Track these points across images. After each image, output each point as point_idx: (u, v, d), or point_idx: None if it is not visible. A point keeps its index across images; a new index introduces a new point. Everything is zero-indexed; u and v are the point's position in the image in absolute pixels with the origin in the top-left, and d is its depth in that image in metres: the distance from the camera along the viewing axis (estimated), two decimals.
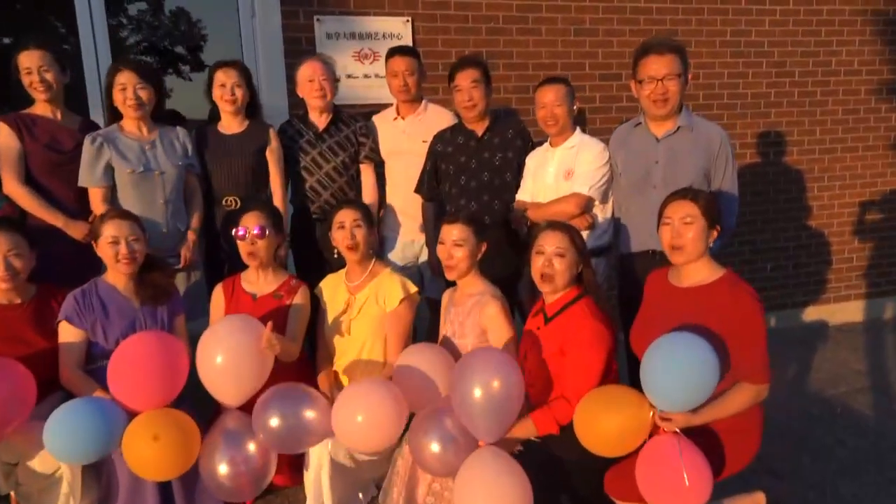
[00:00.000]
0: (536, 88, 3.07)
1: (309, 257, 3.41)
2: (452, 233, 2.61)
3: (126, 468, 2.41)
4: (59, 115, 2.99)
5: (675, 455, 2.01)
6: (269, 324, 2.43)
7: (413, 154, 3.43)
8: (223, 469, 2.35)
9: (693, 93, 5.34)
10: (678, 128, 2.80)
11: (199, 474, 2.46)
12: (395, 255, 3.45)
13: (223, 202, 3.21)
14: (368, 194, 3.43)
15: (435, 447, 2.28)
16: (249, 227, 2.77)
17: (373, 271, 2.85)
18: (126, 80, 2.93)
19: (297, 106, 3.98)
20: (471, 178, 3.22)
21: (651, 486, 2.06)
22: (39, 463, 2.44)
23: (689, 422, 2.08)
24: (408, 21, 4.77)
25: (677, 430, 2.07)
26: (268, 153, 3.24)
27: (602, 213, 3.02)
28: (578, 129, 3.06)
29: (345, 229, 2.78)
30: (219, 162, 3.20)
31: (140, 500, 2.49)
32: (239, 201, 3.19)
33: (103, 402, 2.36)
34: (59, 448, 2.25)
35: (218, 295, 2.88)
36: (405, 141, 3.45)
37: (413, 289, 2.79)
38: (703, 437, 2.12)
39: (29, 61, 2.85)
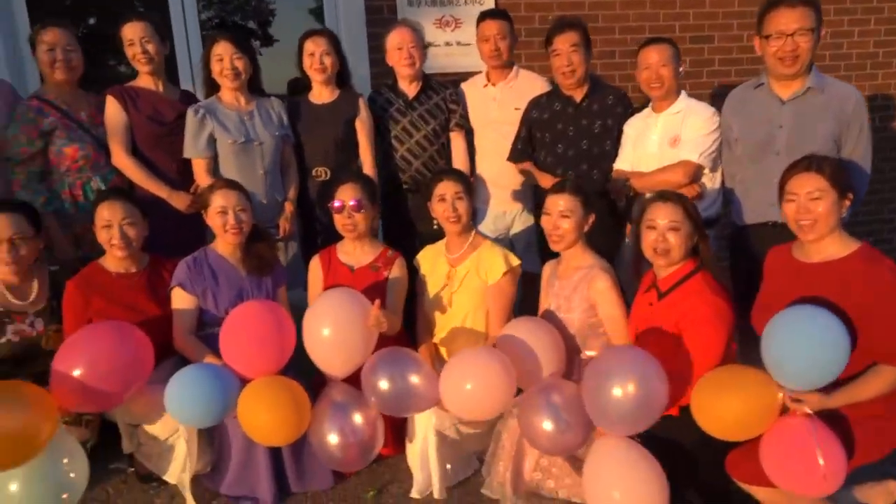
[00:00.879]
0: (639, 49, 2.88)
1: (399, 227, 3.35)
2: (559, 203, 2.46)
3: (239, 434, 2.43)
4: (160, 87, 2.99)
5: (809, 438, 1.88)
6: (377, 302, 2.39)
7: (504, 122, 3.30)
8: (333, 439, 2.33)
9: None
10: (807, 89, 2.55)
11: (307, 443, 2.45)
12: (486, 227, 3.35)
13: (313, 173, 3.14)
14: (459, 162, 3.32)
15: (547, 425, 2.19)
16: (346, 200, 2.69)
17: (473, 243, 2.74)
18: (223, 50, 2.89)
19: (381, 76, 3.89)
20: (568, 146, 3.07)
21: (780, 469, 1.94)
22: (158, 426, 2.48)
23: (824, 404, 1.93)
24: None
25: (810, 412, 1.86)
26: (357, 123, 3.15)
27: (711, 182, 2.83)
28: (684, 93, 2.87)
29: (446, 202, 2.67)
30: (310, 132, 3.14)
31: (253, 465, 2.50)
32: (329, 172, 3.13)
33: (220, 368, 2.36)
34: (179, 410, 2.27)
35: (315, 266, 2.83)
36: (496, 108, 3.32)
37: (515, 261, 2.68)
38: (835, 423, 1.95)
39: (132, 33, 2.84)
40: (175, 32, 3.90)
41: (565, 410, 2.18)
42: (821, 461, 1.83)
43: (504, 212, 3.35)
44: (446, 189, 2.68)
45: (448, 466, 2.54)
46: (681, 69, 2.81)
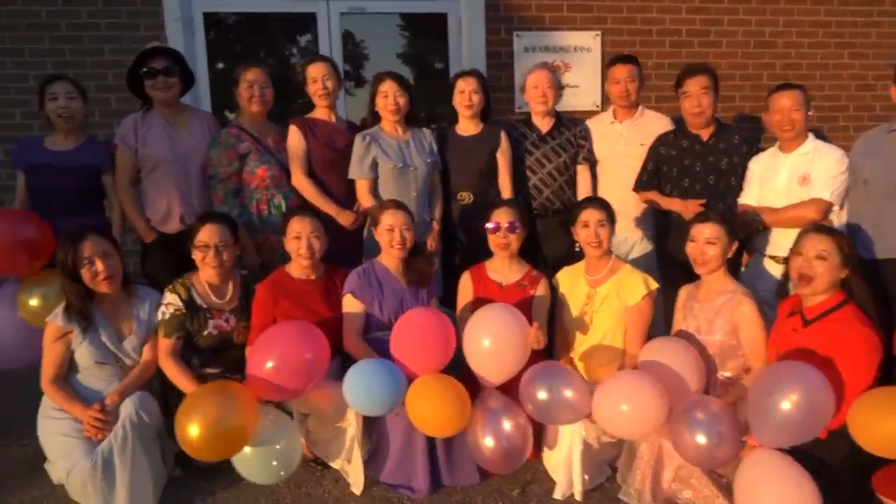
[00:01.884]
0: (770, 94, 3.00)
1: (528, 250, 3.45)
2: (705, 231, 2.59)
3: (398, 427, 2.65)
4: (333, 118, 3.27)
5: None
6: (535, 323, 2.61)
7: (629, 156, 3.51)
8: (490, 442, 2.54)
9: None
10: None
11: (457, 440, 2.66)
12: None
13: (458, 197, 3.37)
14: (584, 193, 3.53)
15: (701, 439, 2.29)
16: (501, 222, 2.87)
17: (613, 267, 2.91)
18: (388, 88, 3.19)
19: (497, 112, 4.10)
20: (695, 181, 3.23)
21: None
22: (331, 415, 2.69)
23: None
24: (597, 35, 4.83)
25: None
26: (499, 154, 3.39)
27: (837, 219, 2.97)
28: (812, 135, 2.98)
29: (589, 228, 2.86)
30: (456, 161, 3.39)
31: (411, 456, 2.69)
32: (472, 196, 3.32)
33: (393, 364, 2.53)
34: (357, 398, 2.50)
35: (466, 281, 3.02)
36: (622, 144, 3.53)
37: (654, 285, 2.85)
38: None
39: (315, 72, 3.16)
40: None
41: (719, 424, 2.27)
42: None
43: (625, 238, 3.53)
44: (591, 216, 2.86)
45: (586, 475, 2.67)
46: (809, 112, 2.93)
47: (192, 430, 2.29)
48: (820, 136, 3.11)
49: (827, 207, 2.86)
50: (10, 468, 2.91)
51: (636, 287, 2.82)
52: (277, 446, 2.51)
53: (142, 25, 4.28)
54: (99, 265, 2.58)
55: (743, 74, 5.00)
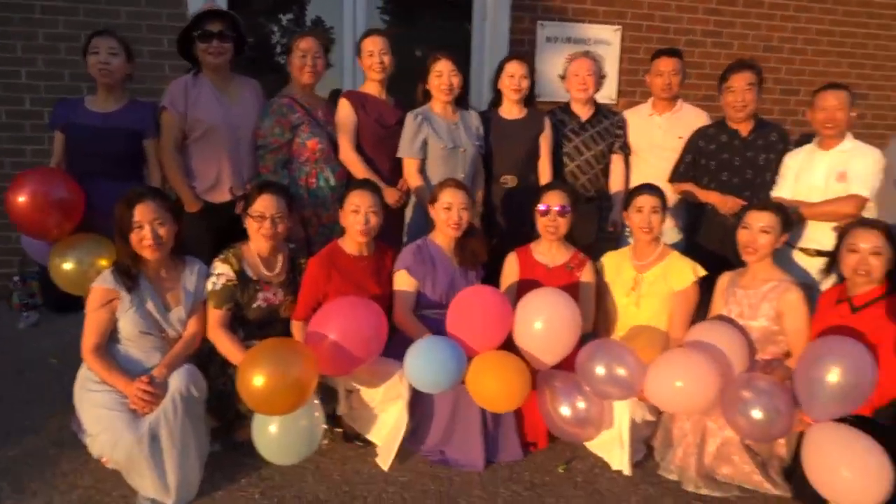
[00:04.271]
0: (817, 92, 3.13)
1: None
2: (762, 219, 2.64)
3: (446, 405, 2.67)
4: (384, 95, 3.22)
5: None
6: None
7: (667, 148, 3.56)
8: (565, 412, 2.58)
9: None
10: None
11: (503, 418, 2.71)
12: None
13: (501, 180, 3.35)
14: (618, 182, 3.58)
15: (758, 414, 2.35)
16: (552, 205, 2.89)
17: (661, 253, 2.93)
18: (443, 67, 3.19)
19: None
20: (733, 175, 3.31)
21: None
22: (383, 392, 2.67)
23: None
24: (617, 29, 4.88)
25: None
26: (542, 139, 3.41)
27: (870, 214, 3.06)
28: (850, 134, 3.06)
29: (643, 213, 2.92)
30: (501, 144, 3.38)
31: (465, 429, 2.69)
32: (516, 180, 3.31)
33: (455, 341, 2.47)
34: (422, 375, 2.48)
35: (512, 262, 3.02)
36: (661, 136, 3.58)
37: (702, 272, 2.91)
38: None
39: (372, 45, 3.11)
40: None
41: (775, 399, 2.35)
42: None
43: None
44: (646, 202, 2.91)
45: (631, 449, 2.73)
46: (853, 113, 3.02)
47: (257, 379, 2.21)
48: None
49: (863, 203, 2.97)
50: (38, 443, 2.78)
51: (685, 273, 2.87)
52: (302, 423, 2.42)
53: None
54: (147, 231, 2.47)
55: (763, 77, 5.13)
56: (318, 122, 3.13)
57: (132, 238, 2.49)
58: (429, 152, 3.16)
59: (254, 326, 2.74)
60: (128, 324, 2.52)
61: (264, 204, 2.65)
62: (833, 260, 2.60)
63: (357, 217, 2.73)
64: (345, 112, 3.13)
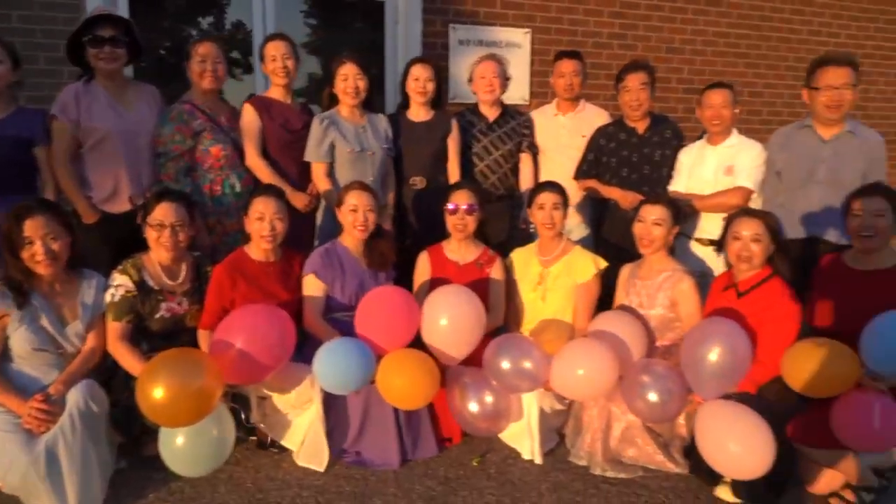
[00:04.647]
0: (703, 91, 3.28)
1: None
2: (654, 213, 2.76)
3: (359, 405, 2.69)
4: (289, 100, 3.21)
5: (873, 404, 2.23)
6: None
7: (571, 147, 3.69)
8: (474, 408, 2.63)
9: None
10: (846, 132, 3.03)
11: (416, 416, 2.75)
12: None
13: (410, 181, 3.40)
14: (528, 181, 3.67)
15: (654, 397, 2.47)
16: (460, 204, 2.94)
17: (564, 248, 3.03)
18: (348, 71, 3.15)
19: None
20: (632, 171, 3.47)
21: (845, 426, 2.28)
22: (293, 397, 2.67)
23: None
24: (527, 32, 5.02)
25: (883, 388, 2.27)
26: (450, 140, 3.48)
27: (755, 205, 3.25)
28: (735, 130, 3.24)
29: (545, 210, 2.99)
30: (409, 146, 3.42)
31: (379, 428, 2.71)
32: (425, 181, 3.35)
33: (363, 342, 2.52)
34: (329, 378, 2.49)
35: (424, 261, 3.08)
36: (565, 135, 3.71)
37: (603, 264, 3.01)
38: None
39: (274, 50, 3.10)
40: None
41: (668, 382, 2.49)
42: (876, 424, 2.19)
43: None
44: (547, 199, 3.00)
45: (541, 439, 2.81)
46: (737, 110, 3.21)
47: (156, 392, 2.14)
48: None
49: (749, 195, 3.16)
50: None
51: (587, 266, 2.99)
52: (213, 433, 2.36)
53: None
54: (38, 246, 2.38)
55: (656, 77, 5.35)
56: (221, 129, 3.08)
57: (23, 254, 2.39)
58: (336, 156, 3.16)
59: (158, 338, 2.67)
60: (19, 341, 2.42)
61: (163, 212, 2.59)
62: (721, 248, 2.76)
63: (262, 224, 2.71)
64: (249, 118, 3.10)
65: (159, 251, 2.64)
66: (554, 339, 2.97)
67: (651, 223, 2.84)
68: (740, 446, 2.25)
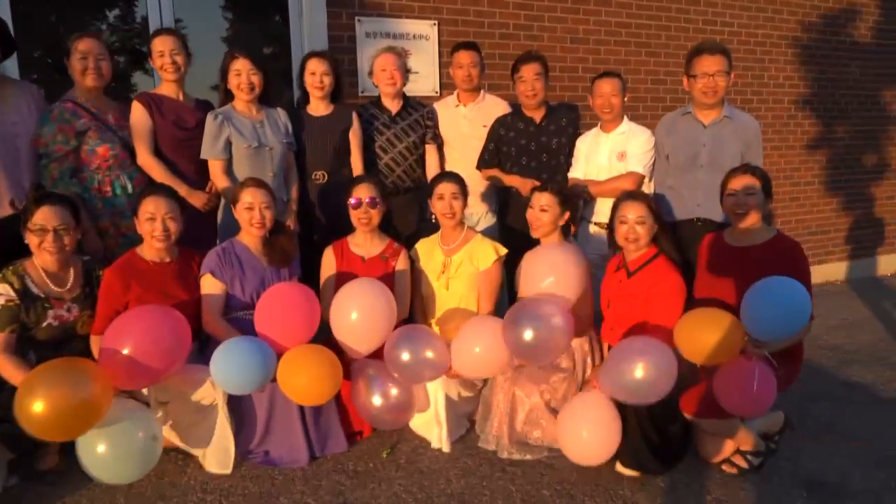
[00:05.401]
0: (594, 80, 3.39)
1: (382, 225, 3.55)
2: (541, 200, 2.89)
3: (263, 404, 2.69)
4: (181, 96, 3.15)
5: (753, 370, 2.37)
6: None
7: (473, 137, 3.75)
8: (378, 401, 2.65)
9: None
10: (723, 117, 3.18)
11: (323, 412, 2.77)
12: None
13: (313, 176, 3.38)
14: (433, 171, 3.71)
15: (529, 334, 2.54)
16: (363, 198, 2.95)
17: (466, 237, 3.10)
18: (241, 66, 3.12)
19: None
20: (531, 159, 3.55)
21: (727, 391, 2.43)
22: (195, 400, 2.63)
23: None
24: (434, 24, 5.03)
25: (766, 354, 2.43)
26: (351, 134, 3.46)
27: (647, 188, 3.41)
28: (626, 118, 3.38)
29: (444, 200, 3.03)
30: (310, 141, 3.39)
31: (286, 427, 2.71)
32: (327, 175, 3.34)
33: (261, 340, 2.47)
34: (228, 379, 2.45)
35: (329, 256, 3.08)
36: (466, 125, 3.76)
37: (503, 251, 3.08)
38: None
39: (162, 45, 3.02)
40: None
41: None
42: (755, 388, 2.34)
43: (471, 213, 3.75)
44: (445, 189, 3.03)
45: (449, 426, 2.87)
46: (625, 98, 3.34)
47: (36, 405, 2.05)
48: None
49: (640, 179, 3.31)
50: None
51: (487, 253, 3.05)
52: (140, 435, 2.30)
53: None
54: None
55: (563, 66, 5.47)
56: (108, 128, 2.97)
57: None
58: (234, 152, 3.10)
59: (47, 347, 2.55)
60: None
61: (44, 216, 2.48)
62: (610, 232, 2.88)
63: (154, 224, 2.64)
64: (137, 115, 3.00)
65: (43, 257, 2.52)
66: (458, 326, 3.03)
67: (539, 209, 2.93)
68: (589, 434, 2.46)
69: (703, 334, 2.41)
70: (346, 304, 2.68)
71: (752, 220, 2.65)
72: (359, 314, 2.67)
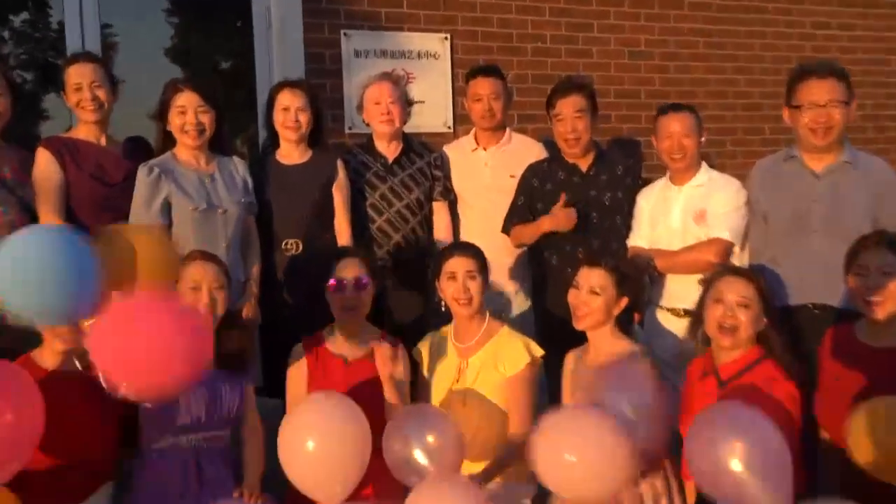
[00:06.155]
0: (658, 114, 3.36)
1: (374, 315, 3.52)
2: (592, 278, 2.80)
3: None
4: (103, 140, 3.17)
5: None
6: None
7: (497, 190, 3.70)
8: None
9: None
10: (842, 162, 3.07)
11: None
12: None
13: (283, 246, 3.35)
14: (442, 237, 3.66)
15: None
16: (346, 278, 2.90)
17: (488, 330, 3.01)
18: (186, 101, 3.11)
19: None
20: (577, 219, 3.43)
21: None
22: None
23: None
24: (446, 38, 5.05)
25: None
26: (335, 188, 3.44)
27: (739, 260, 3.28)
28: (705, 164, 3.36)
29: (457, 280, 2.95)
30: (279, 199, 3.37)
31: None
32: (301, 245, 3.35)
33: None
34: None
35: (298, 362, 3.00)
36: (488, 175, 3.73)
37: (539, 351, 2.99)
38: None
39: (79, 76, 3.02)
40: None
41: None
42: None
43: (498, 293, 3.66)
44: (458, 266, 2.96)
45: None
46: (703, 138, 3.31)
47: None
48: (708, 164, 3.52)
49: (726, 248, 3.18)
50: None
51: (518, 354, 2.92)
52: None
53: None
54: None
55: (618, 91, 5.49)
56: (2, 184, 2.96)
57: None
58: (175, 216, 3.08)
59: None
60: None
61: None
62: (697, 319, 2.78)
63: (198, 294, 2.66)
64: (45, 168, 2.98)
65: None
66: (482, 457, 2.91)
67: (587, 291, 2.83)
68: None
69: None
70: (298, 428, 2.43)
71: (894, 307, 2.56)
72: (316, 443, 2.38)
